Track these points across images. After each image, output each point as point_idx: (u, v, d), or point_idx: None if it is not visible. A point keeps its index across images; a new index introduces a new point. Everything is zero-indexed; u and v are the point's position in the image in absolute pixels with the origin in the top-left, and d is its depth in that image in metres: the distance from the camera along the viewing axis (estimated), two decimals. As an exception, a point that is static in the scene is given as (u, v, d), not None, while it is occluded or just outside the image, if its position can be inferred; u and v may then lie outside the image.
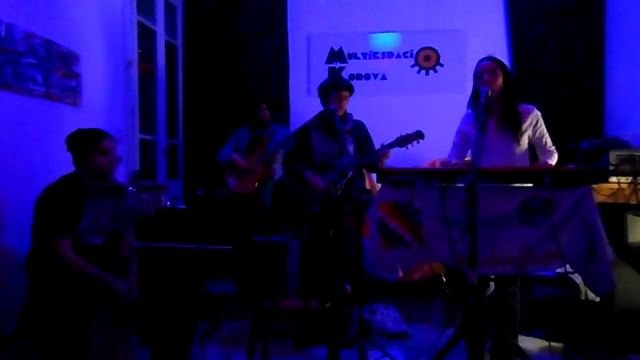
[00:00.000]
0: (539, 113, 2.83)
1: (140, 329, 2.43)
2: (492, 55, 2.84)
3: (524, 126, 2.78)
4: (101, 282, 2.40)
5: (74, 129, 2.59)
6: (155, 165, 4.94)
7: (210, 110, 5.16)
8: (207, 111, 5.17)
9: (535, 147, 2.85)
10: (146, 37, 4.77)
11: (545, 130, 2.83)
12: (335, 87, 3.41)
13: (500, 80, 2.75)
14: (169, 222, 3.62)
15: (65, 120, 3.29)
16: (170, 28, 5.23)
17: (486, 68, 2.76)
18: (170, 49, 5.21)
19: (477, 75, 2.79)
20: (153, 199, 2.34)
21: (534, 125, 2.80)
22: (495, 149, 2.77)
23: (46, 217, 2.40)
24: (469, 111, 2.90)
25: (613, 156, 3.31)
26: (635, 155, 3.28)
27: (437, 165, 3.54)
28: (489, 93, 2.65)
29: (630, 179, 3.22)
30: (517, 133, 2.77)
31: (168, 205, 3.89)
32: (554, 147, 2.83)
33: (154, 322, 2.50)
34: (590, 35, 4.85)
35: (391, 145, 3.27)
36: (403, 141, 3.25)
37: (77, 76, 3.47)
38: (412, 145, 3.26)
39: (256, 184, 4.29)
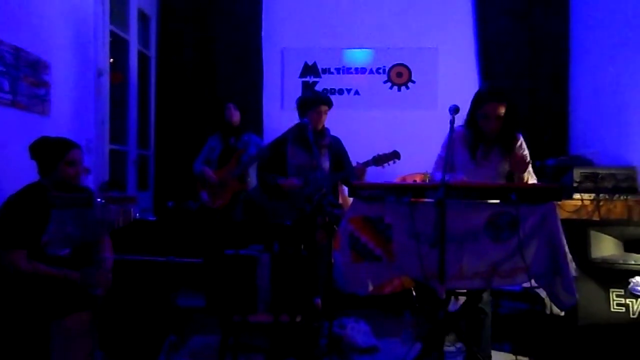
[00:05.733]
0: (522, 139, 2.86)
1: (105, 343, 2.38)
2: (501, 94, 2.76)
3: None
4: (65, 280, 2.34)
5: (41, 138, 2.55)
6: (125, 176, 4.86)
7: (183, 121, 5.12)
8: (179, 122, 5.13)
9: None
10: (119, 46, 4.72)
11: (528, 155, 2.83)
12: (315, 102, 3.43)
13: (501, 123, 2.76)
14: (138, 233, 3.56)
15: (33, 129, 3.21)
16: (143, 38, 5.19)
17: (494, 113, 2.72)
18: (143, 59, 5.16)
19: (480, 114, 2.75)
20: (122, 210, 2.31)
21: (520, 149, 2.83)
22: (481, 171, 2.81)
23: (2, 228, 2.34)
24: (459, 127, 2.83)
25: (577, 173, 3.41)
26: (598, 172, 3.39)
27: (414, 180, 3.58)
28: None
29: (593, 195, 3.33)
30: (505, 157, 2.81)
31: (137, 217, 3.86)
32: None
33: (120, 336, 2.45)
34: (556, 56, 5.02)
35: (367, 164, 3.32)
36: (379, 160, 3.31)
37: (46, 85, 3.41)
38: (389, 164, 3.31)
39: (229, 197, 4.26)
